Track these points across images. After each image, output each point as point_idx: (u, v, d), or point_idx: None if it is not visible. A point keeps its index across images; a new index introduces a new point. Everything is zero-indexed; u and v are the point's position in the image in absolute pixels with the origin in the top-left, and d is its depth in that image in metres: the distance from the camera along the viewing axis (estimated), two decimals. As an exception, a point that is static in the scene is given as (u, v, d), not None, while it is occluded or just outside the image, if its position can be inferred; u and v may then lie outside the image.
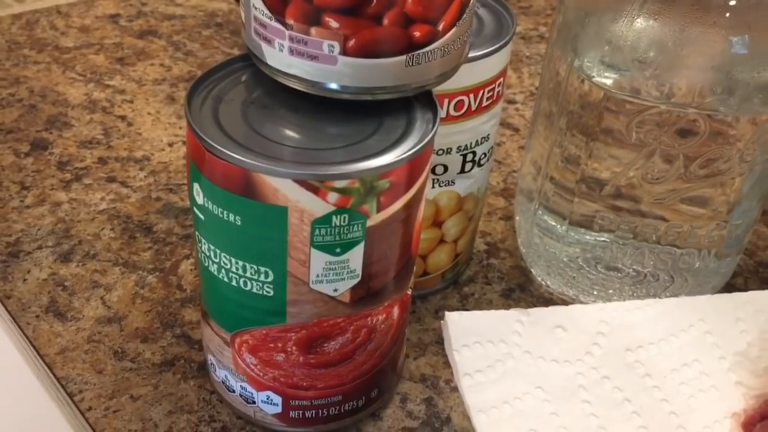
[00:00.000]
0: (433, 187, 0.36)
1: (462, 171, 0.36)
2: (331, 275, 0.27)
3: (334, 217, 0.26)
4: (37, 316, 0.37)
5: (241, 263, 0.27)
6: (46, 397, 0.32)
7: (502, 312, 0.30)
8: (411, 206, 0.28)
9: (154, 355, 0.35)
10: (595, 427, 0.28)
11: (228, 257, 0.27)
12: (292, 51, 0.27)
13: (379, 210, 0.26)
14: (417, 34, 0.27)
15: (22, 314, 0.37)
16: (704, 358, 0.31)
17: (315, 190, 0.25)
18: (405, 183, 0.27)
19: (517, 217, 0.42)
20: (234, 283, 0.28)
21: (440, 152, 0.35)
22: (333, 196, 0.25)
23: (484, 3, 0.36)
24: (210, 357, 0.32)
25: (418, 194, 0.28)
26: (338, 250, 0.27)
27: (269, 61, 0.28)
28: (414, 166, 0.27)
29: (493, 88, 0.34)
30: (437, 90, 0.32)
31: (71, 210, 0.43)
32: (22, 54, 0.56)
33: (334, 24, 0.26)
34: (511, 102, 0.55)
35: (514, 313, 0.30)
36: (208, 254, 0.28)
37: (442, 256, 0.38)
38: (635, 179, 0.35)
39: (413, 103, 0.29)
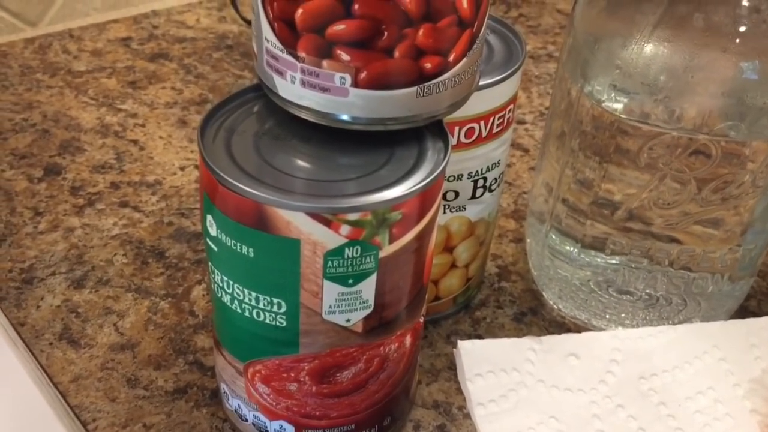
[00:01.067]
0: (444, 212, 0.36)
1: (473, 197, 0.36)
2: (344, 306, 0.27)
3: (346, 249, 0.26)
4: (51, 344, 0.37)
5: (254, 294, 0.27)
6: (60, 427, 0.32)
7: (514, 340, 0.30)
8: (423, 236, 0.28)
9: (166, 383, 0.35)
10: (609, 457, 0.28)
11: (241, 288, 0.28)
12: (303, 83, 0.27)
13: (391, 241, 0.27)
14: (428, 65, 0.27)
15: (35, 342, 0.37)
16: (718, 385, 0.31)
17: (328, 223, 0.25)
18: (417, 214, 0.27)
19: (528, 240, 0.42)
20: (247, 313, 0.28)
21: (451, 179, 0.35)
22: (345, 229, 0.25)
23: (494, 29, 0.36)
24: (223, 386, 0.32)
25: (430, 224, 0.28)
26: (351, 281, 0.27)
27: (281, 93, 0.28)
28: (426, 197, 0.27)
29: (504, 115, 0.34)
30: (448, 118, 0.32)
31: (84, 235, 0.43)
32: (35, 78, 0.56)
33: (345, 57, 0.26)
34: (520, 122, 0.55)
35: (526, 342, 0.30)
36: (221, 285, 0.28)
37: (454, 281, 0.38)
38: (647, 203, 0.35)
39: (424, 132, 0.29)
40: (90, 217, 0.44)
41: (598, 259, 0.38)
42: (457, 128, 0.33)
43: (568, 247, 0.39)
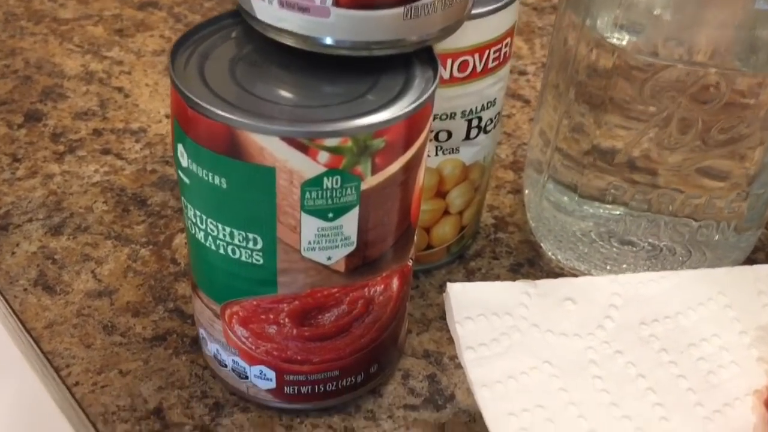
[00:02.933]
0: (437, 154, 0.34)
1: (467, 137, 0.34)
2: (324, 242, 0.26)
3: (325, 178, 0.24)
4: (25, 290, 0.35)
5: (228, 229, 0.26)
6: (31, 372, 0.31)
7: (507, 283, 0.28)
8: (409, 169, 0.26)
9: (145, 330, 0.34)
10: (606, 404, 0.26)
11: (215, 223, 0.26)
12: (282, 3, 0.25)
13: (374, 172, 0.25)
14: (415, -17, 0.25)
15: (9, 288, 0.35)
16: (724, 332, 0.29)
17: (304, 149, 0.23)
18: (402, 143, 0.25)
19: (527, 191, 0.40)
20: (222, 251, 0.26)
21: (444, 117, 0.33)
22: (324, 156, 0.24)
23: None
24: (201, 331, 0.31)
25: (417, 156, 0.26)
26: (331, 215, 0.25)
27: (259, 16, 0.26)
28: (412, 124, 0.25)
29: (500, 49, 0.32)
30: (439, 49, 0.30)
31: (63, 182, 0.41)
32: (19, 26, 0.54)
33: (326, -28, 0.24)
34: (522, 73, 0.53)
35: (520, 285, 0.29)
36: (194, 221, 0.27)
37: (447, 229, 0.36)
38: (650, 146, 0.33)
39: (412, 60, 0.27)
40: (70, 164, 0.43)
41: (600, 210, 0.37)
42: (449, 61, 0.31)
43: (566, 198, 0.37)
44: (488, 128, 0.34)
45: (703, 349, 0.28)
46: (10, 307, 0.34)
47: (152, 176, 0.42)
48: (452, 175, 0.35)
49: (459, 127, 0.33)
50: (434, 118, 0.33)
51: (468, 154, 0.34)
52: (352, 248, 0.26)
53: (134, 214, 0.40)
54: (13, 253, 0.37)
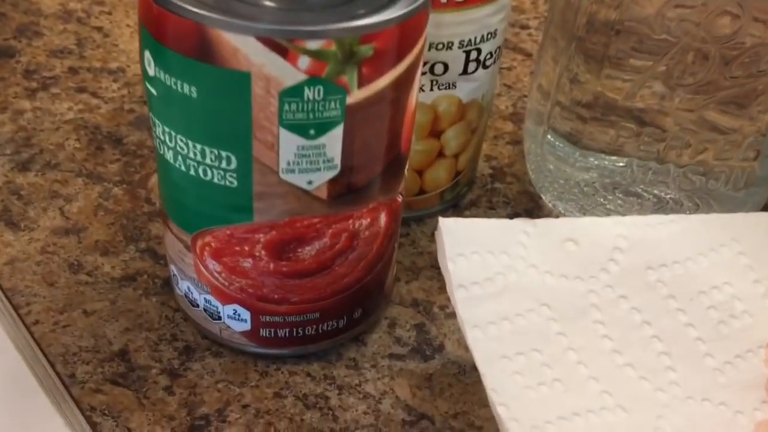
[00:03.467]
0: (432, 89, 0.31)
1: (465, 71, 0.31)
2: (305, 163, 0.23)
3: (306, 88, 0.22)
4: (-13, 226, 0.33)
5: (199, 147, 0.23)
6: (-14, 308, 0.28)
7: (505, 221, 0.26)
8: (401, 85, 0.24)
9: (113, 269, 0.31)
10: (608, 351, 0.24)
11: (184, 140, 0.23)
12: None
13: (361, 84, 0.22)
14: None
15: (-31, 223, 0.33)
16: (736, 280, 0.27)
17: (283, 52, 0.21)
18: (393, 53, 0.23)
19: (527, 142, 0.38)
20: (192, 172, 0.24)
21: (440, 47, 0.30)
22: (304, 61, 0.21)
23: None
24: (173, 267, 0.28)
25: (409, 71, 0.24)
26: (312, 131, 0.23)
27: None
28: (404, 32, 0.22)
29: (502, -28, 0.30)
30: (437, -34, 0.28)
31: (35, 119, 0.39)
32: (-4, -37, 0.51)
33: None
34: (524, 27, 0.51)
35: (518, 223, 0.26)
36: (162, 138, 0.24)
37: (441, 173, 0.34)
38: (659, 88, 0.31)
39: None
40: (43, 101, 0.40)
41: (605, 161, 0.34)
42: (447, -19, 0.28)
43: (568, 149, 0.35)
44: (488, 63, 0.32)
45: (714, 297, 0.26)
46: (-31, 241, 0.32)
47: (129, 116, 0.40)
48: (448, 112, 0.32)
49: (456, 58, 0.31)
50: (429, 48, 0.30)
51: (465, 90, 0.32)
52: (335, 172, 0.24)
53: (108, 153, 0.37)
54: (-25, 187, 0.35)
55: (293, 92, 0.22)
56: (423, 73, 0.31)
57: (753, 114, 0.31)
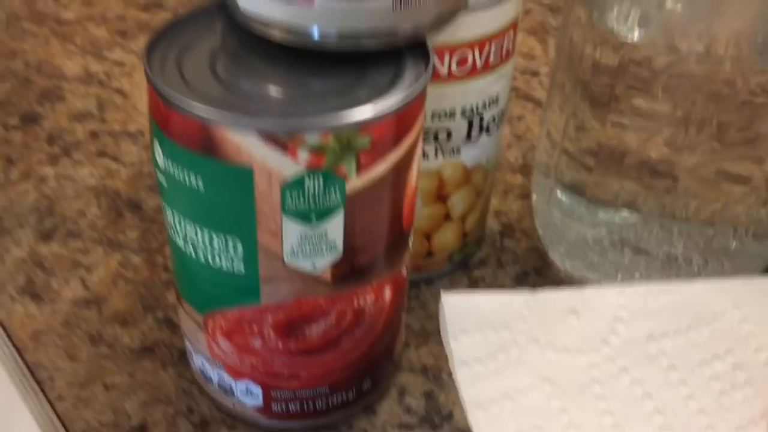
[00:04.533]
0: (436, 156, 0.32)
1: (468, 138, 0.32)
2: (308, 249, 0.24)
3: (306, 179, 0.23)
4: (12, 298, 0.34)
5: (207, 234, 0.24)
6: (10, 385, 0.29)
7: (506, 293, 0.27)
8: (400, 169, 0.24)
9: (132, 341, 0.32)
10: (609, 427, 0.25)
11: (193, 227, 0.24)
12: (265, -6, 0.24)
13: (359, 172, 0.23)
14: (405, -29, 0.23)
15: (-5, 295, 0.34)
16: (738, 349, 0.27)
17: (283, 146, 0.22)
18: (390, 141, 0.23)
19: (534, 196, 0.39)
20: (201, 257, 0.25)
21: (443, 116, 0.31)
22: (304, 154, 0.22)
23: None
24: (187, 342, 0.29)
25: (408, 155, 0.25)
26: (314, 219, 0.23)
27: (242, 6, 0.25)
28: (400, 120, 0.23)
29: (502, 43, 0.30)
30: (436, 43, 0.29)
31: (57, 186, 0.40)
32: (21, 27, 0.53)
33: (309, -39, 0.23)
34: (534, 74, 0.51)
35: (520, 296, 0.27)
36: (173, 224, 0.25)
37: (449, 235, 0.35)
38: (663, 147, 0.32)
39: (403, 53, 0.25)
40: (65, 167, 0.41)
41: (610, 216, 0.35)
42: (447, 55, 0.29)
43: (575, 203, 0.35)
44: (491, 128, 0.33)
45: (716, 367, 0.26)
46: (-6, 314, 0.33)
47: (148, 179, 0.41)
48: (453, 178, 0.33)
49: (459, 126, 0.32)
50: (433, 118, 0.31)
51: (469, 155, 0.33)
52: (338, 255, 0.25)
53: (128, 219, 0.39)
54: (1, 259, 0.36)
55: (294, 184, 0.23)
56: (426, 140, 0.32)
57: (761, 154, 0.31)
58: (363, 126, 0.22)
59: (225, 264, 0.25)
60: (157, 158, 0.24)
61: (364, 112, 0.22)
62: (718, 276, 0.35)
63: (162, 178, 0.25)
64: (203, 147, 0.22)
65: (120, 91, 0.48)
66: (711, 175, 0.32)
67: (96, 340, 0.32)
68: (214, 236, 0.24)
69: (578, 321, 0.27)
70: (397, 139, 0.24)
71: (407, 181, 0.25)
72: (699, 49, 0.29)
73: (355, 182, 0.23)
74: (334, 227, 0.24)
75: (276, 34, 0.24)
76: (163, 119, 0.23)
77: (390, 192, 0.25)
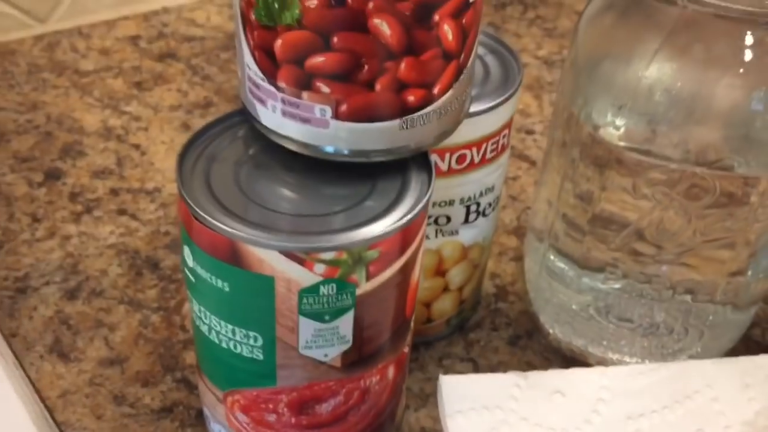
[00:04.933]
0: (436, 236, 0.35)
1: (466, 221, 0.35)
2: (321, 341, 0.27)
3: (321, 286, 0.25)
4: (41, 357, 0.37)
5: (230, 327, 0.27)
6: (43, 445, 0.32)
7: (498, 375, 0.30)
8: (404, 271, 0.27)
9: (153, 401, 0.35)
10: (589, 502, 0.27)
11: (218, 320, 0.27)
12: (284, 113, 0.27)
13: (369, 279, 0.26)
14: (411, 98, 0.26)
15: (26, 354, 0.37)
16: (709, 427, 0.30)
17: (301, 262, 0.25)
18: (396, 251, 0.26)
19: (527, 259, 0.41)
20: (224, 345, 0.28)
21: (443, 204, 0.34)
22: (320, 267, 0.25)
23: (492, 49, 0.35)
24: (205, 409, 0.32)
25: (411, 258, 0.27)
26: (327, 317, 0.26)
27: (263, 121, 0.28)
28: (405, 234, 0.26)
29: (498, 140, 0.33)
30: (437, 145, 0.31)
31: (80, 244, 0.43)
32: (42, 77, 0.56)
33: (325, 89, 0.26)
34: (529, 132, 0.54)
35: (511, 377, 0.30)
36: (199, 314, 0.28)
37: (447, 304, 0.38)
38: (645, 230, 0.34)
39: (409, 162, 0.28)
40: (87, 224, 0.44)
41: (598, 284, 0.38)
42: (447, 155, 0.32)
43: (565, 269, 0.38)
44: (487, 212, 0.36)
45: (688, 445, 0.29)
46: (27, 375, 0.36)
47: (165, 238, 0.44)
48: (452, 256, 0.36)
49: (458, 212, 0.34)
50: (433, 206, 0.34)
51: (467, 236, 0.36)
52: (347, 346, 0.27)
53: (147, 278, 0.41)
54: (30, 317, 0.39)
55: (310, 290, 0.25)
56: (428, 225, 0.34)
57: (738, 236, 0.34)
58: (373, 243, 0.25)
59: (245, 352, 0.27)
60: (186, 259, 0.27)
61: (373, 230, 0.25)
62: (698, 344, 0.38)
63: (190, 276, 0.27)
64: (229, 257, 0.25)
65: (137, 147, 0.50)
66: (689, 257, 0.35)
67: (119, 400, 0.35)
68: (237, 329, 0.27)
69: (564, 400, 0.30)
70: (403, 248, 0.26)
71: (411, 277, 0.28)
72: (676, 154, 0.32)
73: (364, 287, 0.26)
74: (345, 323, 0.27)
75: (293, 147, 0.27)
76: (193, 230, 0.26)
77: (396, 290, 0.27)
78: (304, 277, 0.25)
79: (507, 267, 0.44)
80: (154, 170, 0.48)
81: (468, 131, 0.32)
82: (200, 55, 0.60)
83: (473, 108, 0.31)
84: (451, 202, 0.34)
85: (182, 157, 0.27)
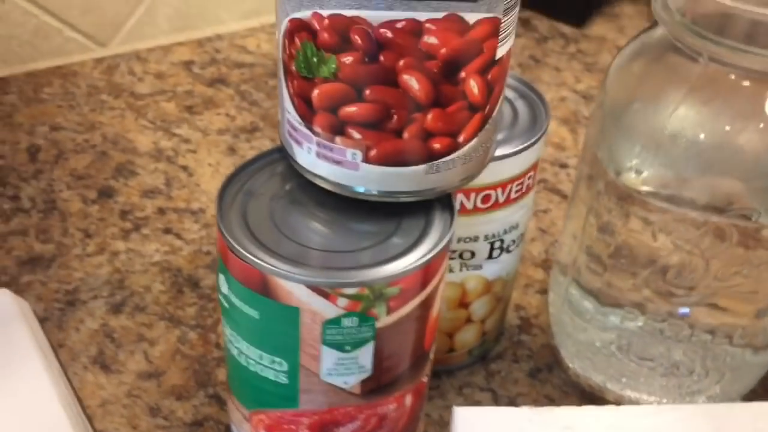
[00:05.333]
0: (461, 270, 0.37)
1: (489, 257, 0.36)
2: (342, 369, 0.29)
3: (344, 319, 0.27)
4: (85, 367, 0.39)
5: (258, 352, 0.29)
6: (83, 451, 0.34)
7: (512, 409, 0.31)
8: (424, 306, 0.29)
9: (186, 414, 0.37)
10: None
11: (247, 345, 0.29)
12: (318, 155, 0.29)
13: (389, 313, 0.28)
14: (437, 146, 0.28)
15: (71, 364, 0.39)
16: (716, 471, 0.31)
17: (326, 296, 0.27)
18: (416, 288, 0.28)
19: (551, 294, 0.43)
20: (252, 368, 0.30)
21: (467, 240, 0.35)
22: (343, 301, 0.27)
23: (523, 93, 0.37)
24: (233, 425, 0.34)
25: (431, 295, 0.29)
26: (348, 347, 0.28)
27: (299, 160, 0.30)
28: (426, 272, 0.28)
29: (523, 182, 0.35)
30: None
31: (127, 260, 0.46)
32: (100, 99, 0.59)
33: (356, 135, 0.27)
34: (563, 166, 0.55)
35: (524, 412, 0.31)
36: (230, 338, 0.30)
37: (469, 335, 0.39)
38: (665, 272, 0.35)
39: (433, 202, 0.30)
40: (135, 242, 0.47)
41: (618, 321, 0.38)
42: (473, 194, 0.34)
43: (586, 304, 0.39)
44: (510, 248, 0.37)
45: (695, 488, 0.30)
46: (71, 384, 0.38)
47: (206, 258, 0.46)
48: (475, 289, 0.37)
49: (482, 248, 0.36)
50: (459, 241, 0.35)
51: (491, 270, 0.37)
52: (367, 374, 0.29)
53: (187, 296, 0.44)
54: (77, 329, 0.41)
55: (333, 322, 0.27)
56: (451, 257, 0.36)
57: (756, 282, 0.34)
58: (393, 280, 0.27)
59: (271, 375, 0.29)
60: (221, 286, 0.29)
61: (394, 268, 0.27)
62: (717, 385, 0.38)
63: (224, 302, 0.29)
64: (260, 288, 0.27)
65: (185, 168, 0.53)
66: (711, 294, 0.36)
67: (155, 412, 0.37)
68: (264, 354, 0.29)
69: (573, 438, 0.31)
70: (424, 285, 0.28)
71: (431, 312, 0.30)
72: (695, 202, 0.33)
73: (384, 320, 0.28)
74: (365, 354, 0.28)
75: (325, 185, 0.29)
76: (228, 261, 0.28)
77: (415, 323, 0.29)
78: (328, 309, 0.27)
79: (532, 299, 0.45)
80: (200, 191, 0.51)
81: (493, 173, 0.33)
82: (249, 81, 0.62)
83: (499, 152, 0.33)
84: (475, 239, 0.35)
85: (223, 191, 0.29)
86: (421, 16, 0.25)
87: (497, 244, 0.36)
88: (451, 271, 0.36)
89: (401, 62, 0.26)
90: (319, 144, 0.28)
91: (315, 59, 0.27)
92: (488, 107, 0.29)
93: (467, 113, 0.28)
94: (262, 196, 0.30)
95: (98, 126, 0.56)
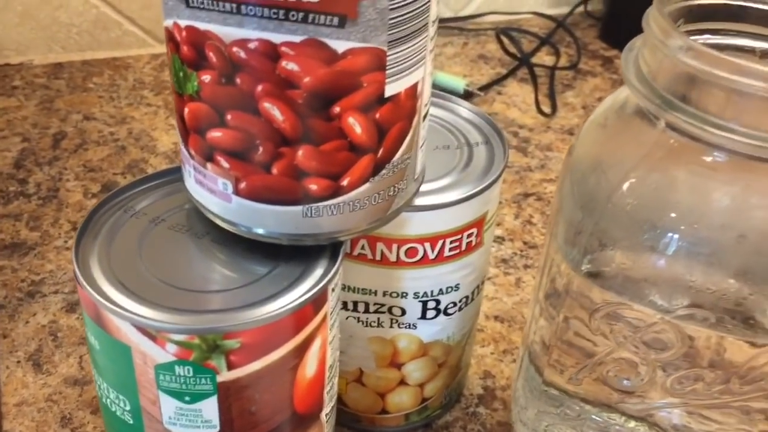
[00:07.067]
0: (391, 326, 0.33)
1: (423, 317, 0.32)
2: (185, 420, 0.26)
3: (176, 366, 0.24)
4: (18, 362, 0.39)
5: (106, 385, 0.27)
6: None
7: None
8: (281, 366, 0.25)
9: (95, 430, 0.36)
10: None
11: (98, 375, 0.27)
12: (196, 180, 0.26)
13: (231, 368, 0.25)
14: (313, 187, 0.25)
15: (7, 357, 0.39)
16: None
17: (153, 338, 0.24)
18: (264, 345, 0.25)
19: (515, 365, 0.38)
20: (104, 400, 0.27)
21: (394, 295, 0.32)
22: (172, 347, 0.24)
23: (489, 141, 0.32)
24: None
25: (296, 353, 0.25)
26: (187, 398, 0.25)
27: (185, 182, 0.27)
28: (273, 330, 0.24)
29: (460, 239, 0.30)
30: (383, 233, 0.29)
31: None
32: (141, 94, 0.60)
33: (224, 164, 0.25)
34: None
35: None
36: (91, 362, 0.28)
37: (404, 398, 0.35)
38: (603, 369, 0.30)
39: (318, 249, 0.27)
40: (116, 242, 0.46)
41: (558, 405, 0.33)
42: (395, 246, 0.30)
43: (534, 381, 0.34)
44: (450, 311, 0.33)
45: None
46: (-4, 377, 0.38)
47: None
48: (408, 349, 0.33)
49: (412, 306, 0.32)
50: (384, 294, 0.32)
51: (426, 332, 0.33)
52: (215, 430, 0.26)
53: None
54: (27, 322, 0.41)
55: (165, 367, 0.24)
56: (380, 311, 0.32)
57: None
58: (228, 333, 0.24)
59: (118, 412, 0.27)
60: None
61: (229, 320, 0.24)
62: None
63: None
64: (97, 319, 0.25)
65: (193, 173, 0.52)
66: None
67: (66, 422, 0.36)
68: (111, 389, 0.26)
69: None
70: (276, 342, 0.25)
71: (298, 371, 0.26)
72: (645, 300, 0.27)
73: (227, 375, 0.25)
74: (209, 407, 0.25)
75: (204, 212, 0.27)
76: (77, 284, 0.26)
77: (272, 383, 0.26)
78: (158, 353, 0.24)
79: (507, 368, 0.40)
80: (197, 199, 0.50)
81: (418, 225, 0.29)
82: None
83: (428, 201, 0.29)
84: (403, 294, 0.31)
85: (99, 205, 0.27)
86: (276, 38, 0.22)
87: (431, 305, 0.32)
88: (380, 326, 0.33)
89: (259, 87, 0.23)
90: (195, 168, 0.26)
91: (181, 74, 0.24)
92: (382, 150, 0.25)
93: (349, 154, 0.24)
94: (143, 216, 0.28)
95: (129, 120, 0.57)
